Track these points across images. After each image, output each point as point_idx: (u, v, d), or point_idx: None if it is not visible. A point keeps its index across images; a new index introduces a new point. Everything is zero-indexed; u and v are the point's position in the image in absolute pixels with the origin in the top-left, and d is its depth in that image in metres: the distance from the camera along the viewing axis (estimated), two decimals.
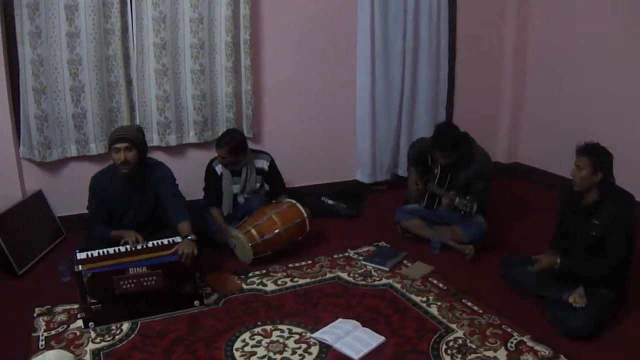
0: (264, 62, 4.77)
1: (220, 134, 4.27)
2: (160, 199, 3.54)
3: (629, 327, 3.00)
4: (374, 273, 3.68)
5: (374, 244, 4.15)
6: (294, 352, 2.80)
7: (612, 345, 2.85)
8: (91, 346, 2.85)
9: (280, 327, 3.03)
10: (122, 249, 3.27)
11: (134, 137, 3.38)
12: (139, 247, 3.29)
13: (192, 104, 4.50)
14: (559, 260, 3.05)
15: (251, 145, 4.64)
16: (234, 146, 4.04)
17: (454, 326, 3.02)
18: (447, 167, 4.01)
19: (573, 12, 5.05)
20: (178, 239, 3.30)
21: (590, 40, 4.92)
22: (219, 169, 4.16)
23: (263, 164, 4.27)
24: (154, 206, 3.57)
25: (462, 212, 3.78)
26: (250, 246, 3.72)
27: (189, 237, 3.25)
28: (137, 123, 4.36)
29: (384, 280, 3.58)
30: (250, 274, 3.66)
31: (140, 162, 3.43)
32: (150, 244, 3.34)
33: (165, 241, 3.34)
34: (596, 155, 2.95)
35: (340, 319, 3.07)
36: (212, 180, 4.17)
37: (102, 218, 3.48)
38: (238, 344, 2.87)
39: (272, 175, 4.32)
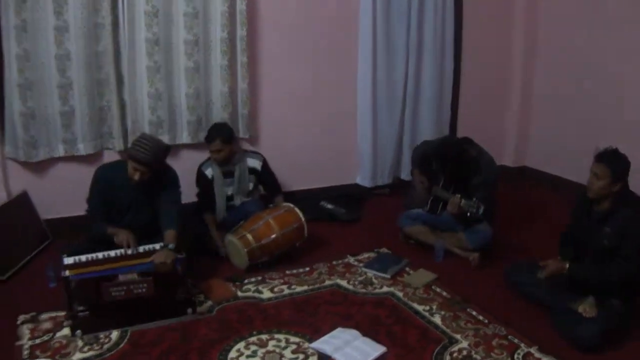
0: (261, 60, 4.70)
1: None
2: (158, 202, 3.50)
3: None
4: (374, 280, 3.65)
5: (375, 250, 4.11)
6: None
7: (623, 357, 2.82)
8: (78, 356, 2.80)
9: (276, 336, 3.00)
10: (112, 253, 3.24)
11: (154, 162, 3.31)
12: (129, 252, 3.26)
13: (186, 103, 4.44)
14: (567, 266, 3.03)
15: (247, 146, 4.64)
16: (227, 135, 4.07)
17: (458, 336, 2.98)
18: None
19: (584, 10, 5.03)
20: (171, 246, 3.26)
21: (600, 41, 4.89)
22: (209, 172, 4.12)
23: (255, 163, 4.24)
24: (154, 208, 3.52)
25: (469, 214, 3.74)
26: (246, 252, 3.68)
27: (169, 247, 3.23)
28: (129, 122, 4.28)
29: (385, 288, 3.54)
30: (246, 281, 3.62)
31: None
32: (141, 249, 3.30)
33: (157, 246, 3.29)
34: (617, 165, 2.91)
35: (339, 328, 3.03)
36: (203, 185, 4.14)
37: (101, 213, 3.45)
38: (233, 353, 2.83)
39: (266, 175, 4.30)
